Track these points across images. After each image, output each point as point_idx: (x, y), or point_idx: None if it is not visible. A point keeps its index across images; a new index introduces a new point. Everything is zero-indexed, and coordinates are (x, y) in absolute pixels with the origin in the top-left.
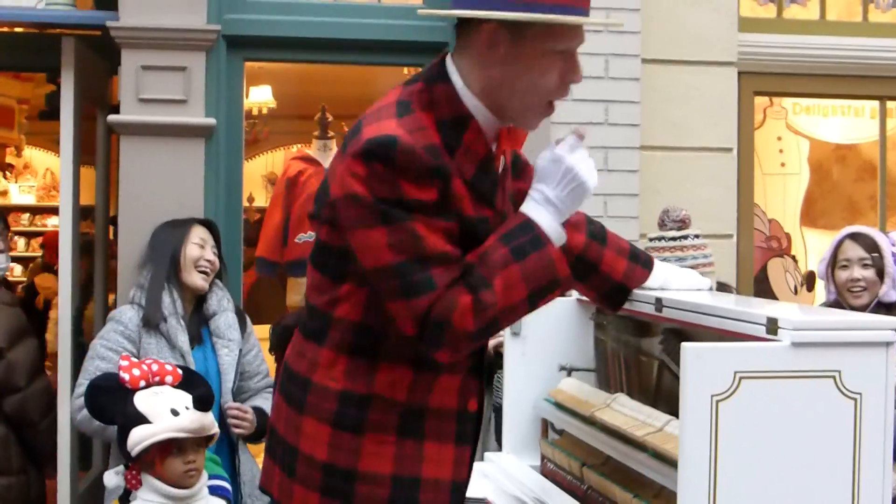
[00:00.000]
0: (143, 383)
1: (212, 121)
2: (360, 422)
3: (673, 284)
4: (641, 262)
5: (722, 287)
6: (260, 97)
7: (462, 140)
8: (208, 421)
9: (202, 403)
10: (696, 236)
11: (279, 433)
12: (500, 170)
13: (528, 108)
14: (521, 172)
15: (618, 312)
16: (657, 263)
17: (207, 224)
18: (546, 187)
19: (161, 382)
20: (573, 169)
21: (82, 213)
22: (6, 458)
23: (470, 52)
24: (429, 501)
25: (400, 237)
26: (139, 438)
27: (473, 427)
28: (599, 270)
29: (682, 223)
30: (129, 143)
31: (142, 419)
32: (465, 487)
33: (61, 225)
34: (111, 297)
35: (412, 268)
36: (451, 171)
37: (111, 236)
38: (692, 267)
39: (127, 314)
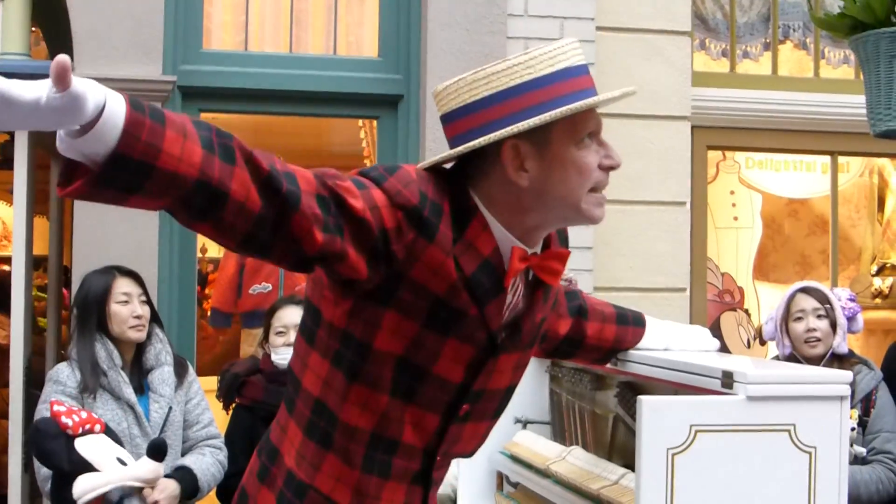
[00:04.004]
0: (80, 430)
1: None
2: None
3: (676, 345)
4: (632, 323)
5: None
6: None
7: (465, 233)
8: (160, 472)
9: (158, 453)
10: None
11: None
12: (519, 288)
13: (580, 202)
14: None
15: (574, 365)
16: (654, 322)
17: (130, 274)
18: None
19: (91, 430)
20: None
21: (35, 263)
22: None
23: (490, 179)
24: None
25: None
26: (91, 486)
27: None
28: (586, 345)
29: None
30: None
31: (88, 467)
32: None
33: (14, 275)
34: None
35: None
36: (438, 237)
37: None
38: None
39: (64, 372)
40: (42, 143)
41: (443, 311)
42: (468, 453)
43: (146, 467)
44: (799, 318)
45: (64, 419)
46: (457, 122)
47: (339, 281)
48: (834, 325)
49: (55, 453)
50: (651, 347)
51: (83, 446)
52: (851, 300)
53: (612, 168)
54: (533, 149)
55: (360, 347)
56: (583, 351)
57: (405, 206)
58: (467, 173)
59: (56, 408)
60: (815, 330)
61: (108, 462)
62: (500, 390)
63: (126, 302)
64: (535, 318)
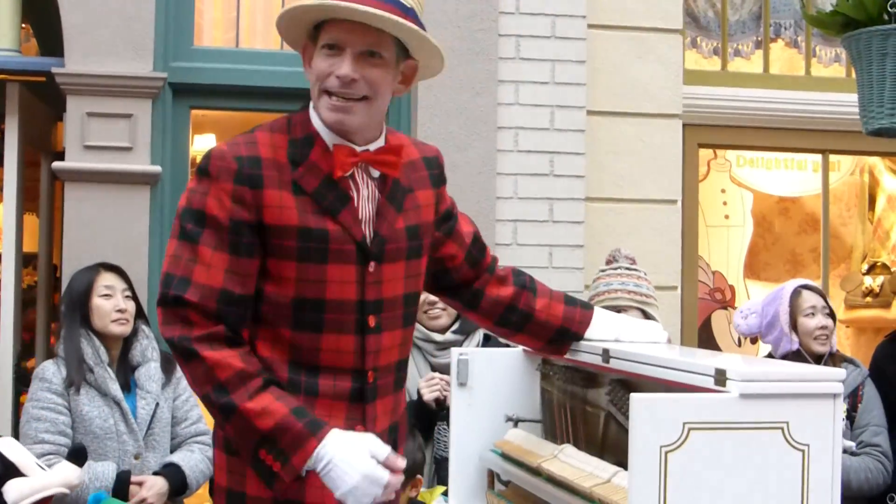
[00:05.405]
0: None
1: (157, 168)
2: None
3: (626, 337)
4: (580, 305)
5: None
6: (204, 145)
7: (308, 156)
8: (83, 477)
9: (78, 458)
10: (645, 273)
11: None
12: (363, 183)
13: (318, 104)
14: (446, 222)
15: (565, 363)
16: (608, 314)
17: (114, 269)
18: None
19: None
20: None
21: (24, 260)
22: None
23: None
24: None
25: (183, 253)
26: (28, 491)
27: None
28: (535, 318)
29: (633, 260)
30: (74, 190)
31: (15, 470)
32: None
33: (4, 272)
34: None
35: (177, 283)
36: (269, 182)
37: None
38: (645, 296)
39: (49, 370)
40: (32, 141)
41: (308, 239)
42: (396, 362)
43: (75, 473)
44: (811, 314)
45: None
46: None
47: None
48: (834, 323)
49: None
50: (601, 338)
51: (3, 448)
52: None
53: (337, 77)
54: (312, 47)
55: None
56: (534, 325)
57: (229, 176)
58: None
59: None
60: (826, 327)
61: (31, 466)
62: (398, 297)
63: (109, 296)
64: (394, 224)
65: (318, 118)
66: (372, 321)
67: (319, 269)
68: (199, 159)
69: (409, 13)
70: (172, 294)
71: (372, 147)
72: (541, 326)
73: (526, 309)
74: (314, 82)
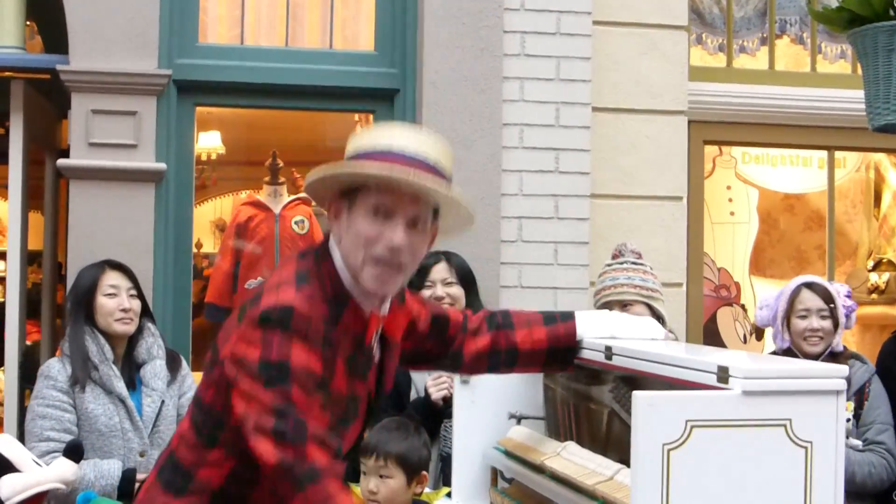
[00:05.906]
0: None
1: (162, 166)
2: None
3: (621, 333)
4: (560, 319)
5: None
6: (209, 143)
7: (342, 317)
8: (79, 473)
9: (75, 454)
10: (651, 267)
11: None
12: (375, 347)
13: (360, 269)
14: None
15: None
16: (594, 313)
17: (120, 267)
18: None
19: None
20: None
21: (30, 258)
22: None
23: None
24: None
25: (279, 400)
26: (21, 486)
27: None
28: (521, 352)
29: (639, 255)
30: (79, 188)
31: (9, 466)
32: None
33: (9, 270)
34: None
35: (293, 419)
36: (336, 345)
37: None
38: (651, 290)
39: (55, 368)
40: (37, 138)
41: (347, 403)
42: None
43: (70, 469)
44: (803, 316)
45: None
46: None
47: None
48: (836, 325)
49: None
50: (596, 336)
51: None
52: (848, 296)
53: (389, 247)
54: (346, 207)
55: None
56: (523, 357)
57: (318, 337)
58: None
59: None
60: (818, 330)
61: (26, 462)
62: None
63: (113, 295)
64: (393, 373)
65: (346, 273)
66: (365, 434)
67: (346, 428)
68: (203, 157)
69: (449, 180)
70: (293, 426)
71: (385, 309)
72: (529, 356)
73: (508, 347)
74: (355, 244)
